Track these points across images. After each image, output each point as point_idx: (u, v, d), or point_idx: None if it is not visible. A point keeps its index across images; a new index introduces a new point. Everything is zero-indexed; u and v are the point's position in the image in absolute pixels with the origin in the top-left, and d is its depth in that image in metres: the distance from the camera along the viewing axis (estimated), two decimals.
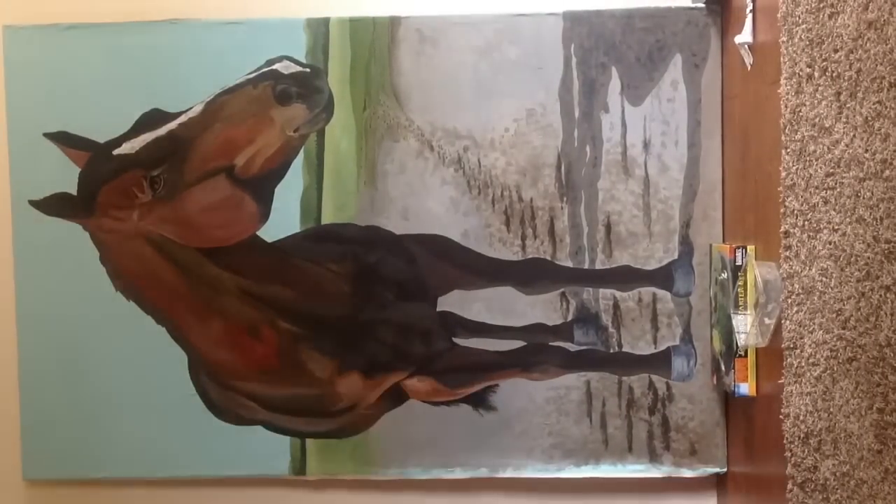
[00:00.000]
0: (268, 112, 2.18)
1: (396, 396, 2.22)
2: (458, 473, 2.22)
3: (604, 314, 2.20)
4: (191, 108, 2.19)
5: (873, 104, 1.27)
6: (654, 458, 2.20)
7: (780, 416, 1.71)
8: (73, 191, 2.21)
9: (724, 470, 2.18)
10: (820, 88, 1.46)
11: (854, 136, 1.34)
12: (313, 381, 2.23)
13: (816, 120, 1.48)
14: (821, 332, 1.51)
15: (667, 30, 2.14)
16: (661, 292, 2.19)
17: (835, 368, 1.45)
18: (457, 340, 2.21)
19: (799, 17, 1.54)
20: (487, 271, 2.20)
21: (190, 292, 2.22)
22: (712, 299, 2.11)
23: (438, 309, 2.21)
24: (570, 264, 2.19)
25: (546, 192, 2.19)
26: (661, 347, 2.19)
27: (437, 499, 2.26)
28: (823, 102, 1.45)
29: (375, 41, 2.18)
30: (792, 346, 1.65)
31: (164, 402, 2.25)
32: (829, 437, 1.47)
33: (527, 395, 2.21)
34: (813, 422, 1.55)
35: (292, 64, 2.18)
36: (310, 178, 2.21)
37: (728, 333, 1.92)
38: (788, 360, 1.67)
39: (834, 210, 1.43)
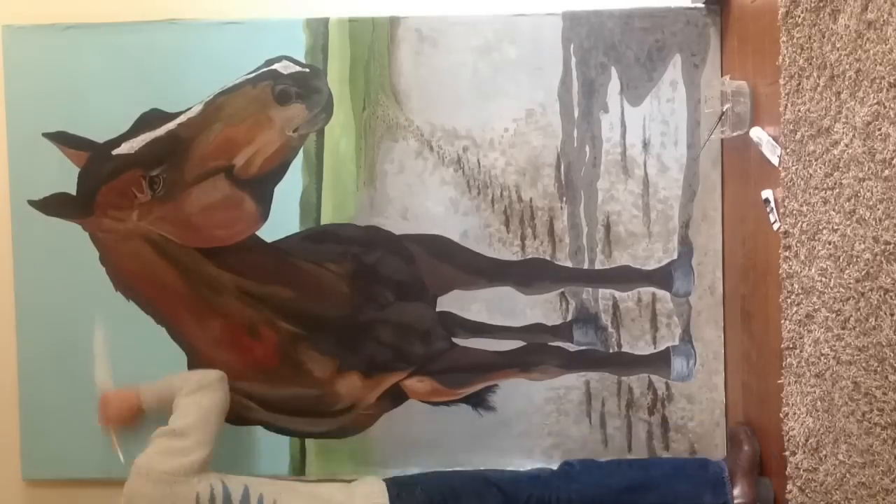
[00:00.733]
0: (267, 112, 2.17)
1: (396, 396, 2.22)
2: None
3: (603, 314, 2.20)
4: (190, 108, 2.19)
5: (873, 104, 1.27)
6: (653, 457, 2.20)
7: (780, 416, 1.71)
8: (73, 191, 2.21)
9: None
10: (820, 88, 1.46)
11: (854, 136, 1.34)
12: (313, 382, 2.23)
13: (816, 120, 1.48)
14: (820, 332, 1.51)
15: (666, 30, 2.14)
16: (660, 292, 2.19)
17: (834, 368, 1.45)
18: (456, 340, 2.21)
19: (799, 17, 1.54)
20: (487, 271, 2.20)
21: (189, 292, 2.22)
22: None
23: (438, 309, 2.21)
24: (569, 264, 2.19)
25: (545, 192, 2.19)
26: (661, 347, 2.19)
27: None
28: (823, 102, 1.45)
29: (375, 41, 2.18)
30: (791, 346, 1.65)
31: None
32: (829, 437, 1.47)
33: (526, 395, 2.21)
34: (812, 422, 1.55)
35: (292, 64, 2.18)
36: (309, 178, 2.21)
37: None
38: (788, 359, 1.67)
39: (834, 210, 1.43)
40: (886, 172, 1.24)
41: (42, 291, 2.24)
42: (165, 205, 2.20)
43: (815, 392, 1.54)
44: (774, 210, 1.74)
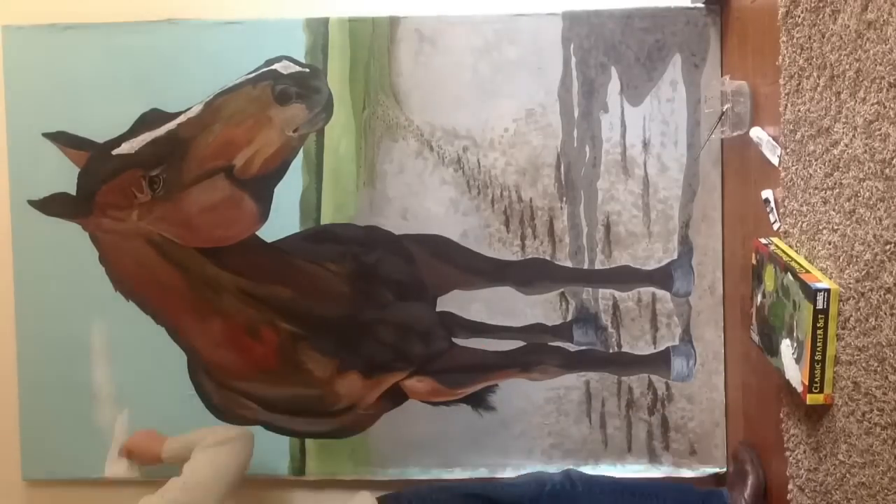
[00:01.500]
0: (267, 112, 2.17)
1: (396, 396, 2.22)
2: (458, 473, 2.22)
3: (603, 314, 2.20)
4: (190, 108, 2.19)
5: (873, 104, 1.27)
6: (653, 458, 2.20)
7: (781, 416, 1.71)
8: (73, 191, 2.21)
9: (724, 470, 2.18)
10: (820, 88, 1.46)
11: (853, 136, 1.34)
12: (313, 381, 2.23)
13: (816, 120, 1.48)
14: None
15: (666, 30, 2.14)
16: (660, 292, 2.19)
17: (834, 368, 1.45)
18: (456, 340, 2.21)
19: (799, 17, 1.54)
20: (487, 271, 2.20)
21: (189, 292, 2.22)
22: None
23: (438, 309, 2.21)
24: (569, 264, 2.19)
25: (545, 192, 2.19)
26: (661, 347, 2.20)
27: None
28: (823, 102, 1.45)
29: (375, 41, 2.18)
30: None
31: (164, 402, 2.25)
32: (829, 437, 1.47)
33: (526, 395, 2.21)
34: (812, 422, 1.55)
35: (291, 64, 2.18)
36: (309, 178, 2.21)
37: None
38: None
39: (834, 210, 1.43)
40: (887, 172, 1.24)
41: (42, 291, 2.24)
42: (165, 205, 2.20)
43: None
44: (774, 210, 1.74)
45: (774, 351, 1.62)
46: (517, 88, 2.17)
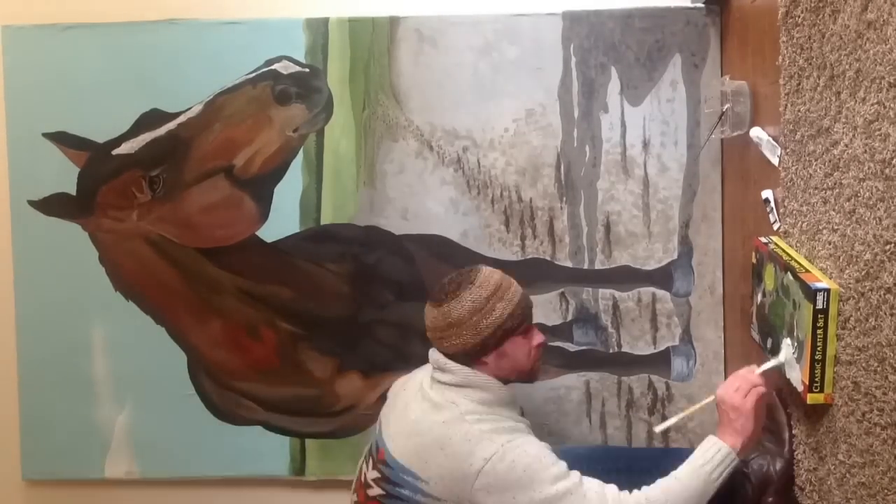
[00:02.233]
0: (267, 112, 2.18)
1: None
2: None
3: (603, 314, 2.20)
4: (190, 108, 2.19)
5: (873, 104, 1.27)
6: None
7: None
8: (73, 191, 2.21)
9: None
10: (820, 88, 1.46)
11: (853, 136, 1.34)
12: (313, 382, 2.23)
13: (816, 120, 1.48)
14: None
15: (666, 30, 2.14)
16: (660, 292, 2.19)
17: (834, 368, 1.45)
18: None
19: (799, 17, 1.54)
20: None
21: (189, 292, 2.22)
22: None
23: None
24: (569, 264, 2.19)
25: (545, 192, 2.19)
26: (661, 347, 2.20)
27: None
28: (823, 102, 1.45)
29: (375, 41, 2.18)
30: None
31: (163, 402, 2.25)
32: (829, 437, 1.47)
33: (526, 395, 2.21)
34: (812, 422, 1.55)
35: (291, 64, 2.18)
36: (309, 178, 2.21)
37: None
38: None
39: (834, 210, 1.43)
40: (887, 172, 1.24)
41: (42, 291, 2.24)
42: (165, 205, 2.20)
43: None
44: (774, 210, 1.74)
45: (775, 350, 1.62)
46: (517, 88, 2.17)
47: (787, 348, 1.56)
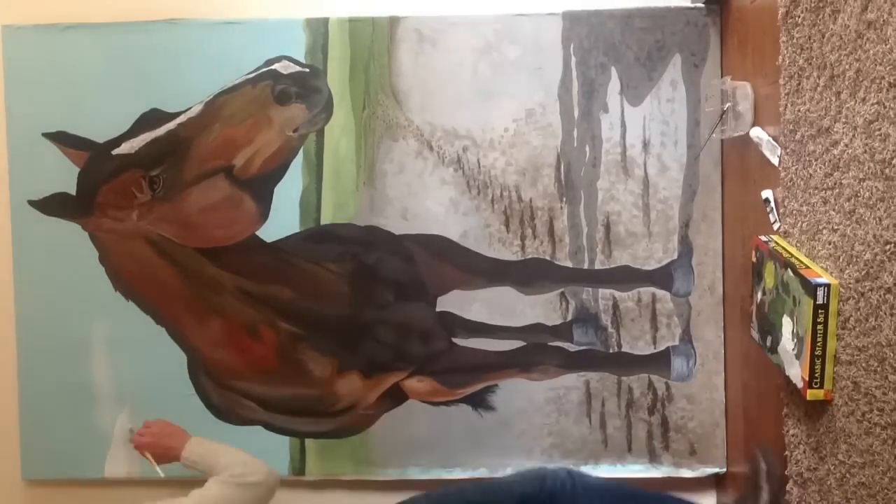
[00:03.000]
0: (267, 112, 2.18)
1: (396, 396, 2.22)
2: (458, 473, 2.22)
3: (603, 314, 2.20)
4: (190, 108, 2.19)
5: (873, 104, 1.27)
6: (653, 458, 2.20)
7: (781, 415, 1.71)
8: (73, 191, 2.21)
9: (724, 470, 2.19)
10: (820, 88, 1.46)
11: (853, 136, 1.34)
12: (312, 381, 2.23)
13: (816, 120, 1.48)
14: None
15: (666, 30, 2.14)
16: (660, 292, 2.19)
17: (834, 368, 1.45)
18: (456, 341, 2.21)
19: (799, 17, 1.54)
20: (487, 271, 2.20)
21: (189, 292, 2.22)
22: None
23: (438, 309, 2.21)
24: (569, 264, 2.19)
25: (545, 192, 2.19)
26: (661, 347, 2.19)
27: None
28: (823, 102, 1.45)
29: (375, 41, 2.18)
30: None
31: (164, 402, 2.24)
32: (829, 437, 1.47)
33: (526, 395, 2.21)
34: (812, 422, 1.55)
35: (291, 64, 2.18)
36: (309, 178, 2.21)
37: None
38: None
39: (834, 210, 1.43)
40: (887, 172, 1.24)
41: (42, 291, 2.24)
42: (165, 205, 2.20)
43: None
44: (774, 210, 1.74)
45: (774, 348, 1.62)
46: (517, 88, 2.17)
47: (786, 345, 1.56)
